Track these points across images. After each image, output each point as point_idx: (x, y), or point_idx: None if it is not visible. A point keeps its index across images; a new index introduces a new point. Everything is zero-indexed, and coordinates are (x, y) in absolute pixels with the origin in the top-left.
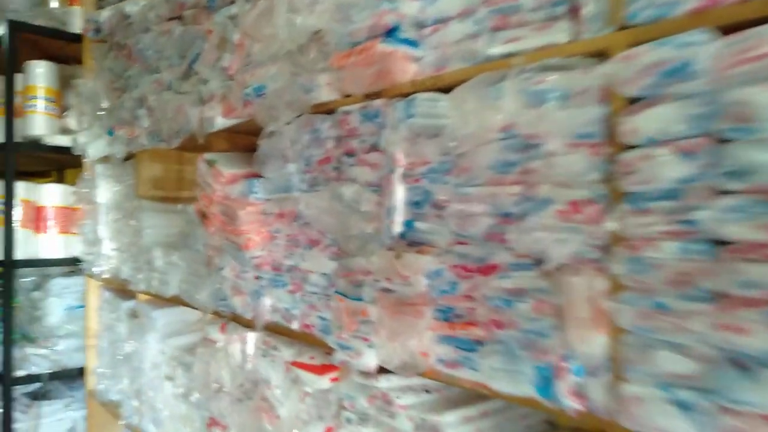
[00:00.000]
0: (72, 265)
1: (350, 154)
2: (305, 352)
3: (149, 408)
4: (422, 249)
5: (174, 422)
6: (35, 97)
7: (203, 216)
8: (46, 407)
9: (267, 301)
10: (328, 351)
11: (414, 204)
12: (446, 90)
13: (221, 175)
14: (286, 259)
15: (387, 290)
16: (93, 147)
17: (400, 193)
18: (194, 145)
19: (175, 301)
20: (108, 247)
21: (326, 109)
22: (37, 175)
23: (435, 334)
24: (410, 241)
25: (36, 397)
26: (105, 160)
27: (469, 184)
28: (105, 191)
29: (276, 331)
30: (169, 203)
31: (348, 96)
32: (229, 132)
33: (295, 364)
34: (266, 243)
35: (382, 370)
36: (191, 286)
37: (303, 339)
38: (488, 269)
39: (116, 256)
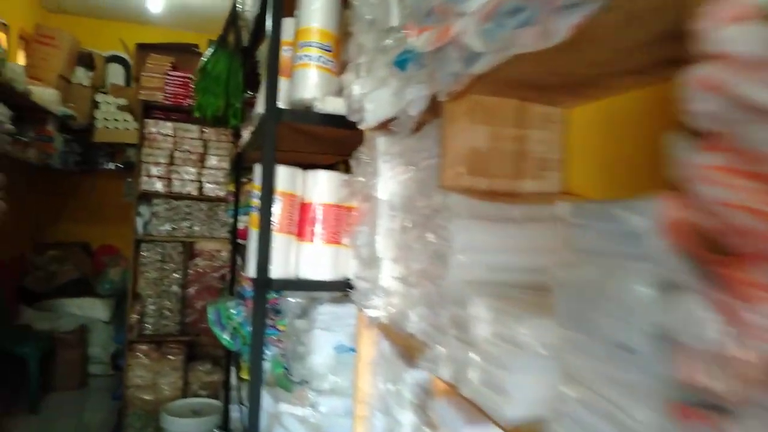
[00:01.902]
0: (342, 290)
1: None
2: None
3: None
4: None
5: None
6: (309, 44)
7: (688, 241)
8: None
9: None
10: None
11: None
12: None
13: None
14: None
15: None
16: (372, 102)
17: None
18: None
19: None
20: (388, 272)
21: None
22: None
23: None
24: None
25: None
26: (389, 127)
27: None
28: (388, 180)
29: None
30: (502, 202)
31: None
32: None
33: None
34: None
35: None
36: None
37: None
38: None
39: (400, 290)
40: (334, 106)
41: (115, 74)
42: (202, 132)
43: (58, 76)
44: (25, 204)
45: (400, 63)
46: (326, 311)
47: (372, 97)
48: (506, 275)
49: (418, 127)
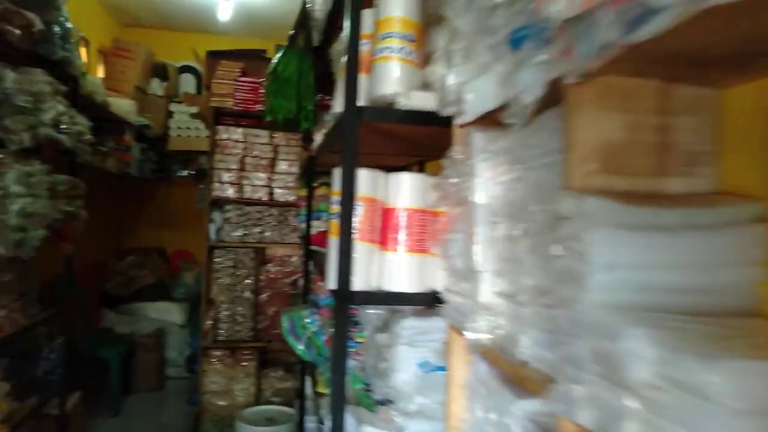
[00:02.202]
0: (430, 304)
1: None
2: None
3: None
4: None
5: None
6: (390, 35)
7: None
8: None
9: None
10: None
11: None
12: None
13: None
14: None
15: None
16: (473, 92)
17: None
18: None
19: None
20: (489, 287)
21: None
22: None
23: None
24: None
25: None
26: (491, 120)
27: None
28: (488, 182)
29: None
30: (648, 205)
31: None
32: None
33: None
34: None
35: None
36: None
37: None
38: None
39: (506, 309)
40: (420, 101)
41: (187, 84)
42: (272, 137)
43: (134, 87)
44: (105, 212)
45: (516, 41)
46: (410, 325)
47: (472, 87)
48: (659, 297)
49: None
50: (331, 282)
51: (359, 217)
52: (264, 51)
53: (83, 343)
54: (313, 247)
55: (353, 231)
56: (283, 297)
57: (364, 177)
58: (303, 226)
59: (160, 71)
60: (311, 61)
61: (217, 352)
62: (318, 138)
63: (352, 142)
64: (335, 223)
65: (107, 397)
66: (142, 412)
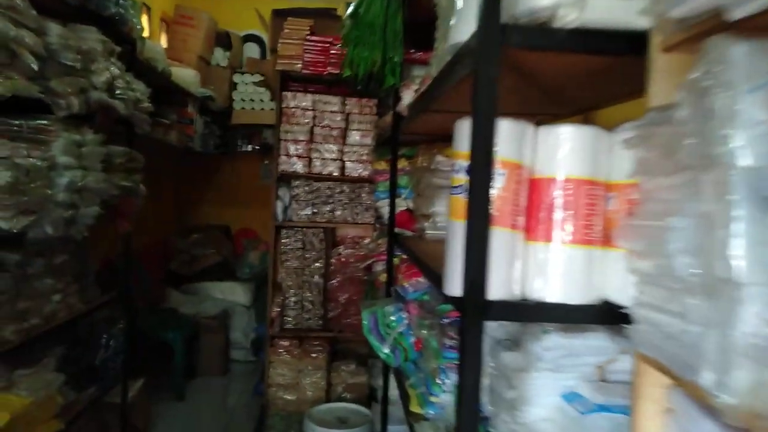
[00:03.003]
0: (601, 321)
1: None
2: None
3: None
4: None
5: None
6: None
7: None
8: None
9: None
10: None
11: None
12: None
13: None
14: None
15: None
16: None
17: None
18: None
19: None
20: (758, 313)
21: None
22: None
23: None
24: None
25: None
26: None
27: None
28: (759, 130)
29: None
30: None
31: None
32: None
33: None
34: None
35: None
36: None
37: None
38: None
39: None
40: (602, 12)
41: (252, 54)
42: (344, 104)
43: (197, 57)
44: (168, 188)
45: None
46: (555, 344)
47: None
48: None
49: None
50: (453, 286)
51: (498, 191)
52: (334, 9)
53: (146, 325)
54: (398, 230)
55: (489, 212)
56: (355, 283)
57: (507, 131)
58: (379, 204)
59: (223, 40)
60: (399, 2)
61: (285, 342)
62: (406, 97)
63: (490, 77)
64: (460, 201)
65: (171, 381)
66: (207, 397)
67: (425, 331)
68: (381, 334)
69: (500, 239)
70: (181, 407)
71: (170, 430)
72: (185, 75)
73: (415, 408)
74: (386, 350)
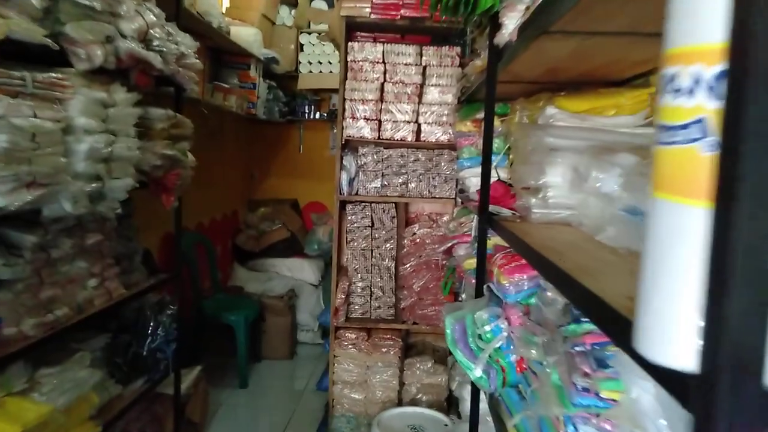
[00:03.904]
0: None
1: None
2: None
3: None
4: None
5: None
6: None
7: None
8: None
9: None
10: None
11: None
12: None
13: None
14: None
15: None
16: None
17: None
18: None
19: None
20: None
21: None
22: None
23: None
24: None
25: None
26: None
27: None
28: None
29: None
30: None
31: None
32: None
33: None
34: None
35: None
36: None
37: None
38: None
39: None
40: None
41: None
42: (420, 55)
43: (260, 16)
44: (234, 159)
45: None
46: None
47: None
48: None
49: None
50: (665, 343)
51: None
52: None
53: (209, 307)
54: (495, 210)
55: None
56: (431, 268)
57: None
58: (463, 174)
59: None
60: None
61: (351, 334)
62: (510, 22)
63: None
64: (693, 158)
65: (235, 365)
66: (272, 383)
67: (534, 352)
68: (471, 349)
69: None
70: (243, 395)
71: (230, 423)
72: (246, 34)
73: None
74: (478, 372)
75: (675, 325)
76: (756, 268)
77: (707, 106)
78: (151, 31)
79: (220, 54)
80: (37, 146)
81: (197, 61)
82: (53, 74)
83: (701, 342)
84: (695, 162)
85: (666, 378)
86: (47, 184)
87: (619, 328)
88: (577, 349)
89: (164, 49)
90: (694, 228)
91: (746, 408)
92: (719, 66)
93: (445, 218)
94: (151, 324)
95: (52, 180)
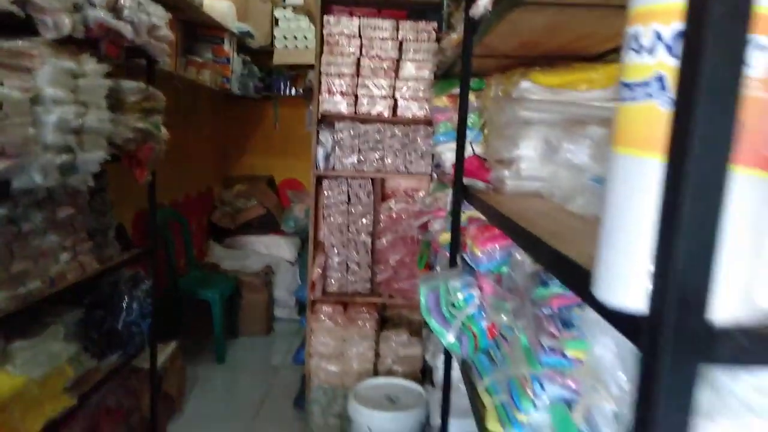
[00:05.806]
0: None
1: None
2: None
3: None
4: None
5: None
6: None
7: None
8: None
9: None
10: None
11: None
12: None
13: None
14: None
15: None
16: None
17: None
18: None
19: None
20: None
21: None
22: None
23: None
24: None
25: None
26: None
27: None
28: None
29: None
30: None
31: None
32: None
33: None
34: None
35: None
36: None
37: None
38: None
39: None
40: None
41: None
42: (397, 30)
43: None
44: (208, 135)
45: None
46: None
47: None
48: None
49: None
50: (622, 288)
51: (756, 87)
52: None
53: (185, 283)
54: (469, 182)
55: (731, 136)
56: (407, 243)
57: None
58: (439, 149)
59: None
60: None
61: (327, 308)
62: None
63: None
64: (652, 113)
65: (212, 342)
66: (249, 358)
67: (505, 317)
68: (444, 316)
69: (746, 197)
70: (220, 370)
71: (207, 397)
72: (219, 7)
73: (493, 426)
74: (451, 338)
75: (629, 270)
76: (701, 213)
77: (667, 64)
78: (122, 1)
79: (194, 27)
80: (5, 116)
81: (169, 32)
82: (20, 42)
83: (653, 289)
84: (654, 117)
85: (620, 321)
86: (16, 155)
87: (581, 279)
88: (545, 311)
89: (135, 20)
90: (649, 179)
91: (689, 341)
92: (678, 25)
93: (421, 193)
94: (126, 299)
95: (21, 150)
